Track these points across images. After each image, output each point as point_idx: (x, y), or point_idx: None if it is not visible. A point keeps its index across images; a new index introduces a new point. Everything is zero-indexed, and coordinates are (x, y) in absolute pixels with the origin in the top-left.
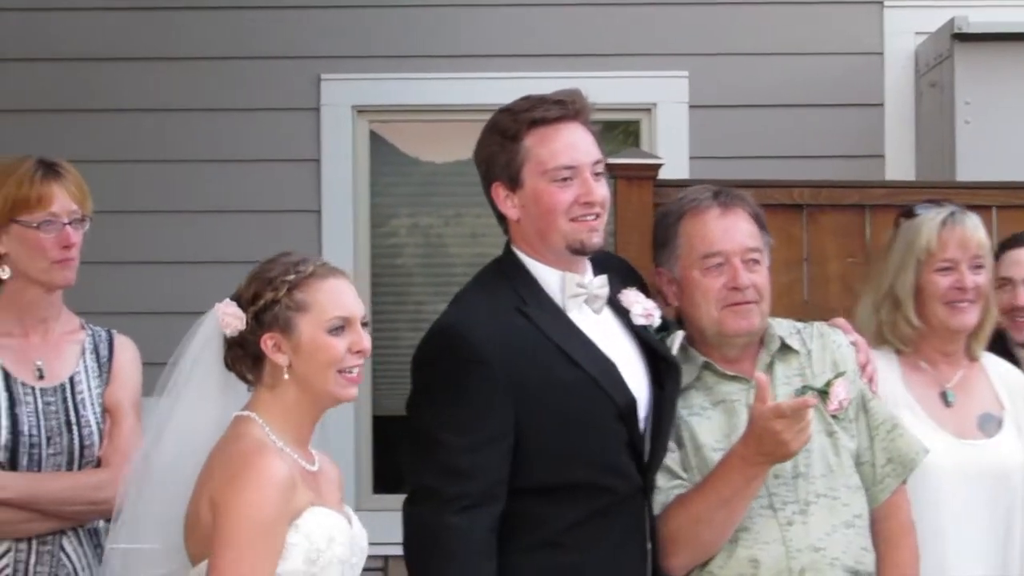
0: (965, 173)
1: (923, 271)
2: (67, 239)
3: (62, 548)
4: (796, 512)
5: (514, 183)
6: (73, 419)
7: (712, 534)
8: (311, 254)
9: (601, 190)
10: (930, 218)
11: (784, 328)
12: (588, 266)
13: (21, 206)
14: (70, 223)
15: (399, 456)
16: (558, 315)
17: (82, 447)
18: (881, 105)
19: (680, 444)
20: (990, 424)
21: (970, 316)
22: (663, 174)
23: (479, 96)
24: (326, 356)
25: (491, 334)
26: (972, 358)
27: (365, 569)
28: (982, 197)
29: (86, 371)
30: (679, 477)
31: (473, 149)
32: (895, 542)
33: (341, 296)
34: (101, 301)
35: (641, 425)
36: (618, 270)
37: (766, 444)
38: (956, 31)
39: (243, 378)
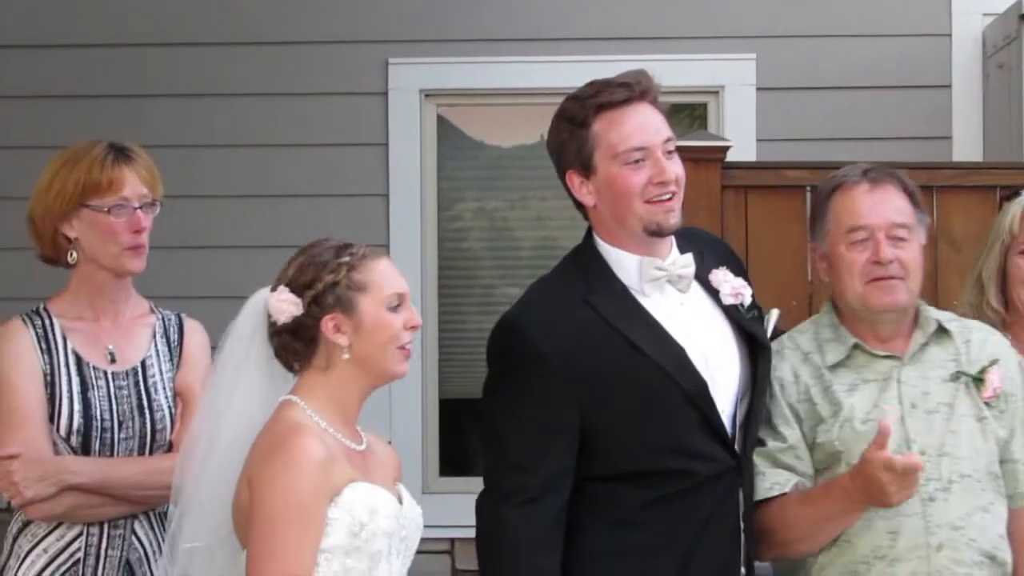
0: None
1: (1008, 254)
2: (138, 223)
3: (133, 532)
4: (938, 489)
5: (587, 170)
6: (145, 403)
7: (804, 545)
8: (349, 240)
9: (675, 168)
10: (1019, 201)
11: (943, 315)
12: (672, 246)
13: (92, 190)
14: (141, 207)
15: (465, 439)
16: (626, 301)
17: (154, 431)
18: (949, 86)
19: (817, 419)
20: None
21: None
22: (730, 156)
23: (545, 80)
24: (388, 333)
25: (551, 327)
26: None
27: (431, 552)
28: None
29: (157, 355)
30: (782, 464)
31: (542, 134)
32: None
33: (395, 275)
34: (170, 286)
35: (730, 405)
36: (715, 249)
37: (871, 489)
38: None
39: (289, 366)
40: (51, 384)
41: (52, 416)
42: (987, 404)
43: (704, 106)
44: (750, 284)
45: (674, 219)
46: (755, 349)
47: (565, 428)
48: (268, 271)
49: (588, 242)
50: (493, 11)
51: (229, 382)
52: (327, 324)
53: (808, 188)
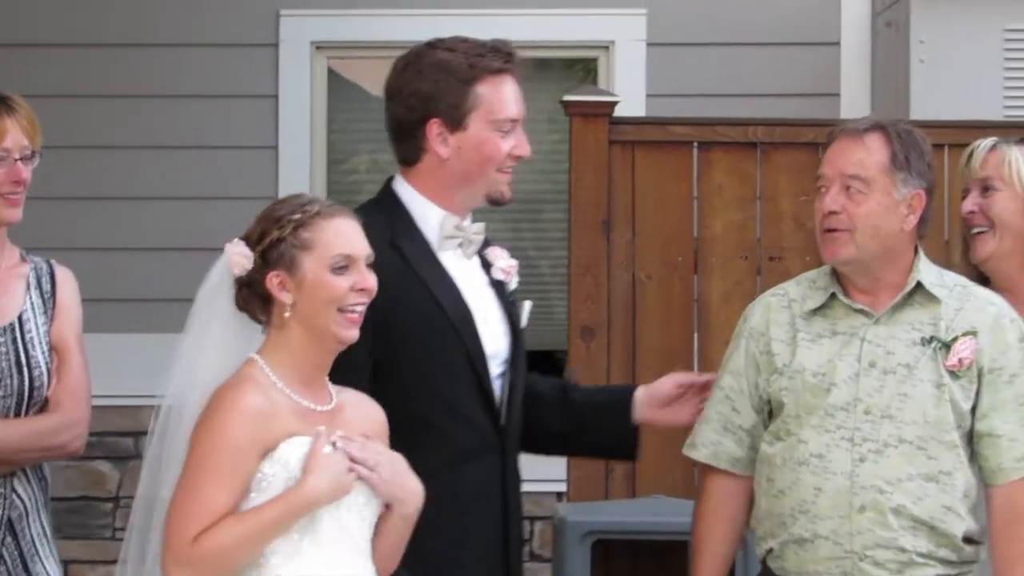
0: (919, 112)
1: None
2: (18, 174)
3: (14, 490)
4: (872, 451)
5: (456, 124)
6: (24, 360)
7: None
8: (320, 197)
9: (528, 146)
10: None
11: (944, 278)
12: (470, 215)
13: None
14: (20, 159)
15: None
16: (429, 254)
17: (32, 389)
18: (837, 44)
19: (772, 369)
20: None
21: (980, 243)
22: (620, 112)
23: (436, 33)
24: (328, 294)
25: None
26: None
27: None
28: (935, 136)
29: (32, 308)
30: (716, 413)
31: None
32: (1006, 534)
33: (345, 235)
34: (57, 237)
35: (498, 378)
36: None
37: None
38: None
39: (255, 319)
40: None
41: None
42: (951, 373)
43: (595, 61)
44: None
45: (510, 193)
46: (513, 331)
47: (362, 365)
48: (158, 223)
49: (390, 190)
50: None
51: (198, 331)
52: (271, 280)
53: (695, 144)
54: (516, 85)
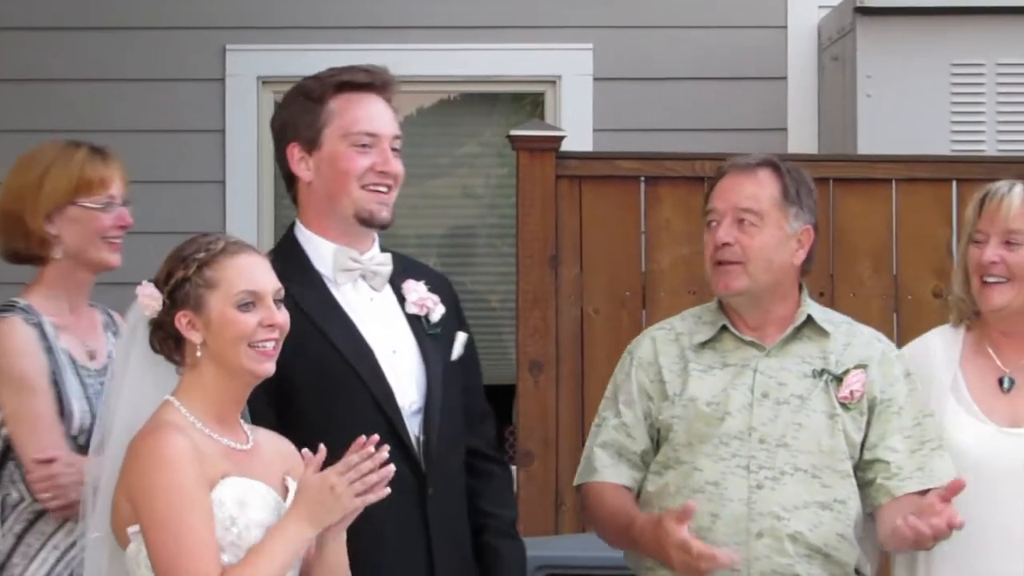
0: (866, 146)
1: (968, 244)
2: (124, 219)
3: None
4: (768, 478)
5: (312, 144)
6: None
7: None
8: (225, 233)
9: (398, 165)
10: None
11: (829, 314)
12: (375, 244)
13: (84, 188)
14: (123, 204)
15: None
16: (322, 292)
17: None
18: (784, 78)
19: (663, 396)
20: None
21: (997, 294)
22: (567, 147)
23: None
24: (234, 331)
25: None
26: None
27: None
28: (882, 170)
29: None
30: (612, 441)
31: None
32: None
33: (250, 272)
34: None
35: (412, 416)
36: (431, 279)
37: (659, 555)
38: (858, 5)
39: (171, 360)
40: (56, 384)
41: (61, 416)
42: (843, 404)
43: (542, 95)
44: (466, 329)
45: (386, 212)
46: (428, 365)
47: (262, 414)
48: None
49: (289, 233)
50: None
51: (119, 372)
52: (180, 320)
53: (643, 179)
54: (381, 102)
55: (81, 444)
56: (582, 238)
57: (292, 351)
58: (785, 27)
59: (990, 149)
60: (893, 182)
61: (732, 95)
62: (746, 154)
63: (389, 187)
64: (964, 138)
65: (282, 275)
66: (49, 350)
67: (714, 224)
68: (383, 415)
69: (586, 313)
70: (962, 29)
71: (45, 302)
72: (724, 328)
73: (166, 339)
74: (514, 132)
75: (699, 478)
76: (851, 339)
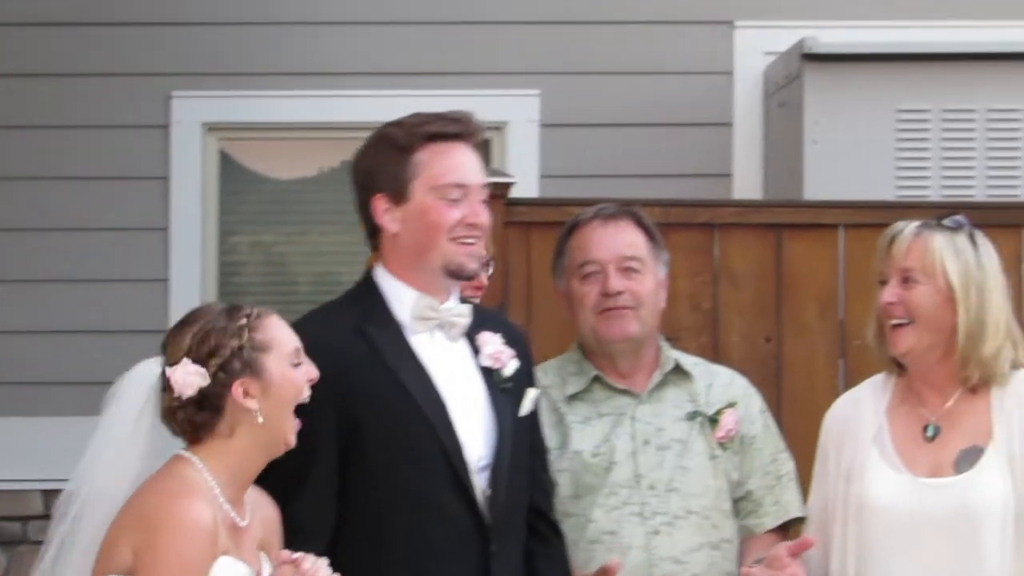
0: (812, 192)
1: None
2: None
3: None
4: (664, 523)
5: (399, 196)
6: None
7: None
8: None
9: (487, 216)
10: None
11: (683, 357)
12: (454, 295)
13: None
14: None
15: None
16: (398, 337)
17: None
18: (730, 124)
19: (560, 447)
20: (967, 459)
21: (901, 338)
22: (514, 193)
23: (329, 114)
24: (295, 390)
25: (320, 353)
26: (970, 387)
27: None
28: (829, 216)
29: None
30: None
31: (322, 167)
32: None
33: (288, 330)
34: None
35: (480, 469)
36: (506, 331)
37: None
38: (806, 51)
39: (188, 437)
40: None
41: None
42: (721, 444)
43: (488, 142)
44: (531, 381)
45: (474, 264)
46: (499, 420)
47: (324, 458)
48: (46, 305)
49: (368, 276)
50: (274, 45)
51: (104, 440)
52: (237, 390)
53: None
54: (469, 151)
55: None
56: (530, 286)
57: (363, 390)
58: (731, 73)
59: (934, 194)
60: (841, 227)
61: (679, 141)
62: (597, 206)
63: (477, 238)
64: (909, 183)
65: (360, 316)
66: None
67: (595, 274)
68: (451, 468)
69: (536, 361)
70: (908, 75)
71: None
72: (595, 378)
73: (198, 415)
74: None
75: (594, 529)
76: (712, 379)
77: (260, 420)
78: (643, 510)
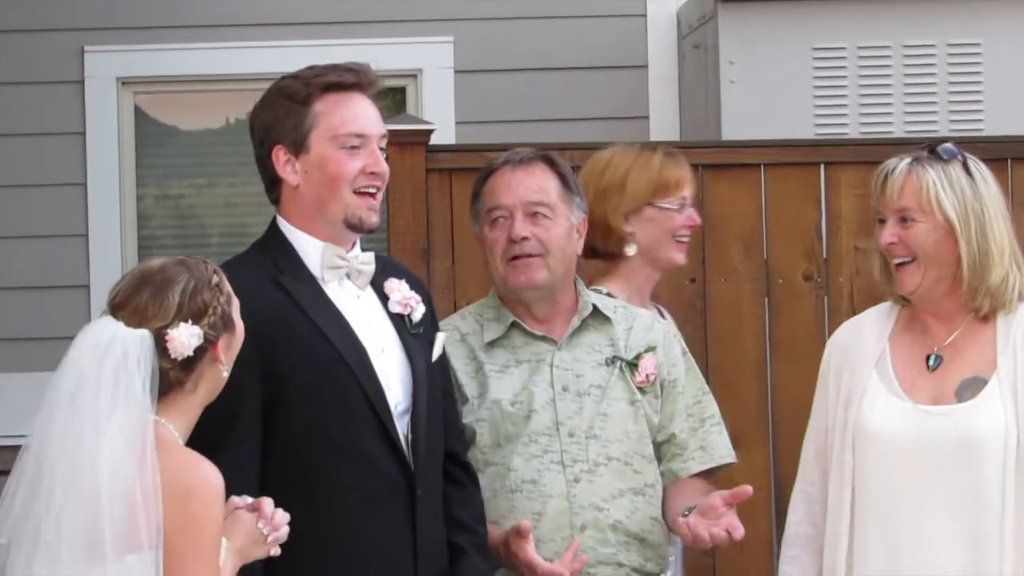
0: (731, 132)
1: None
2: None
3: None
4: (584, 471)
5: (299, 147)
6: None
7: None
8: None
9: (386, 165)
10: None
11: (603, 300)
12: (356, 245)
13: (661, 190)
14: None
15: None
16: (314, 287)
17: None
18: (645, 67)
19: (463, 400)
20: (969, 389)
21: (907, 277)
22: (431, 140)
23: (242, 66)
24: (239, 342)
25: (244, 303)
26: (981, 315)
27: None
28: (749, 156)
29: None
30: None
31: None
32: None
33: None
34: None
35: (400, 416)
36: (408, 277)
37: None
38: None
39: (169, 388)
40: None
41: None
42: (640, 389)
43: (403, 90)
44: (435, 325)
45: (375, 218)
46: (413, 365)
47: (248, 414)
48: None
49: (273, 226)
50: None
51: (67, 406)
52: (218, 347)
53: None
54: (367, 101)
55: None
56: (453, 231)
57: (286, 341)
58: (645, 15)
59: (853, 132)
60: (762, 167)
61: (594, 84)
62: (513, 151)
63: (378, 188)
64: (828, 121)
65: (273, 268)
66: None
67: (503, 220)
68: (374, 413)
69: (459, 305)
70: (823, 13)
71: (619, 296)
72: (513, 324)
73: (181, 374)
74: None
75: (514, 477)
76: (631, 323)
77: (225, 374)
78: (563, 458)
